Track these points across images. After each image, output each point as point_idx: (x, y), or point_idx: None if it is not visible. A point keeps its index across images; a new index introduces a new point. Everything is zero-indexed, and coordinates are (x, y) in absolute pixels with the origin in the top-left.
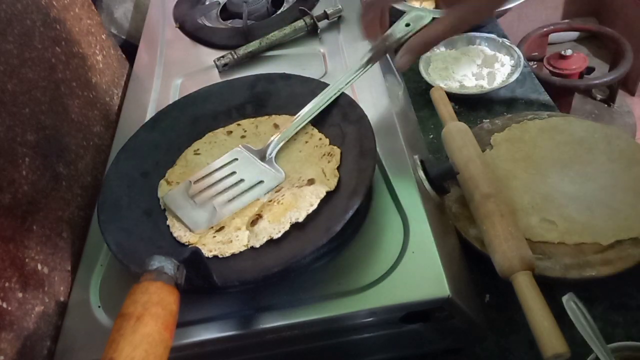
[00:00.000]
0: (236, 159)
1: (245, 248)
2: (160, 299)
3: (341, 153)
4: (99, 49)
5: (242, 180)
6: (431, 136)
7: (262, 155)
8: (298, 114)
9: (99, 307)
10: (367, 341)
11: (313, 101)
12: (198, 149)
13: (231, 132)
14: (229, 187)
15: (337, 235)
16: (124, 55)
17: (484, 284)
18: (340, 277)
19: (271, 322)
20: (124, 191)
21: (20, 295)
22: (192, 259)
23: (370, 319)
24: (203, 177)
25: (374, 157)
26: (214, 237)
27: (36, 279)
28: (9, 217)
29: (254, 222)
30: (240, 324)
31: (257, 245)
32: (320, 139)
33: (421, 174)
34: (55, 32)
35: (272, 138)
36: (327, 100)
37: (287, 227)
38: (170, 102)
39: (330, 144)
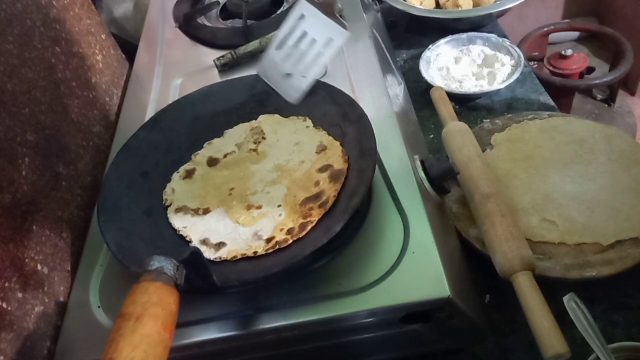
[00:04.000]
0: (303, 15)
1: (241, 256)
2: (159, 299)
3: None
4: (98, 49)
5: (314, 40)
6: (431, 136)
7: (326, 5)
8: None
9: (99, 307)
10: (367, 341)
11: None
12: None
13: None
14: (306, 51)
15: (337, 235)
16: (123, 55)
17: (484, 284)
18: (340, 277)
19: (271, 322)
20: (124, 191)
21: (20, 295)
22: (192, 259)
23: (370, 319)
24: (281, 44)
25: (374, 157)
26: None
27: (36, 279)
28: (9, 217)
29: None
30: (240, 324)
31: (250, 254)
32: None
33: (421, 174)
34: (55, 32)
35: None
36: None
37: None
38: (170, 102)
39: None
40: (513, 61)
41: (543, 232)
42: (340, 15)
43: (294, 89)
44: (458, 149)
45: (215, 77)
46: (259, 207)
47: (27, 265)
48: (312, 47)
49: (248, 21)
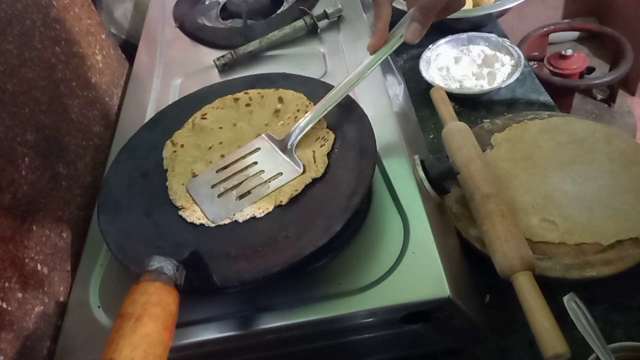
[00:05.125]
0: (259, 148)
1: (230, 221)
2: (159, 300)
3: (335, 138)
4: (98, 49)
5: (262, 171)
6: (431, 136)
7: (283, 146)
8: (318, 103)
9: (99, 307)
10: (367, 341)
11: (332, 91)
12: (206, 114)
13: (238, 99)
14: (250, 177)
15: (337, 235)
16: (123, 55)
17: (484, 284)
18: (340, 277)
19: (271, 322)
20: (124, 191)
21: (20, 295)
22: (192, 259)
23: (370, 319)
24: (226, 166)
25: (374, 157)
26: None
27: (36, 279)
28: (9, 217)
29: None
30: (240, 325)
31: (240, 220)
32: (318, 120)
33: (421, 174)
34: (55, 32)
35: (292, 129)
36: (346, 91)
37: (270, 208)
38: (170, 102)
39: (327, 127)
40: (513, 61)
41: (543, 232)
42: (296, 156)
43: (221, 211)
44: (458, 149)
45: (215, 77)
46: None
47: (27, 265)
48: (258, 177)
49: (248, 21)
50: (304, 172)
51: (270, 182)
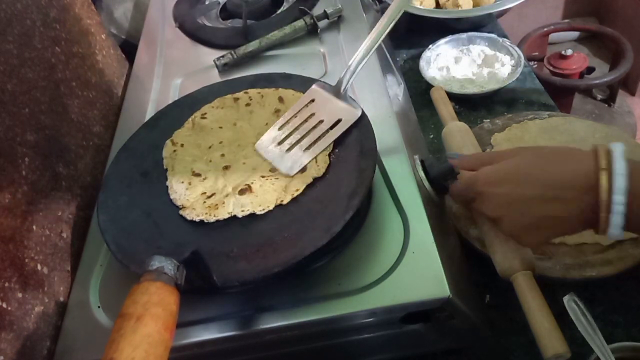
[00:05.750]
0: (313, 100)
1: (229, 215)
2: (160, 299)
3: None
4: (98, 49)
5: (321, 121)
6: (431, 136)
7: (336, 92)
8: (364, 42)
9: (99, 307)
10: (368, 341)
11: (373, 31)
12: (205, 113)
13: (238, 99)
14: (310, 130)
15: (337, 236)
16: (123, 55)
17: (485, 285)
18: (340, 277)
19: (271, 322)
20: (124, 191)
21: (20, 295)
22: (192, 259)
23: (371, 319)
24: (287, 122)
25: (374, 157)
26: (204, 202)
27: (36, 279)
28: (9, 217)
29: (242, 191)
30: (240, 324)
31: (240, 216)
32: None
33: (421, 174)
34: (55, 32)
35: (342, 74)
36: (391, 23)
37: (271, 206)
38: (170, 101)
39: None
40: (513, 61)
41: None
42: (351, 97)
43: (293, 163)
44: (458, 149)
45: (215, 77)
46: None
47: (27, 265)
48: (319, 127)
49: (248, 21)
50: (304, 171)
51: (331, 129)
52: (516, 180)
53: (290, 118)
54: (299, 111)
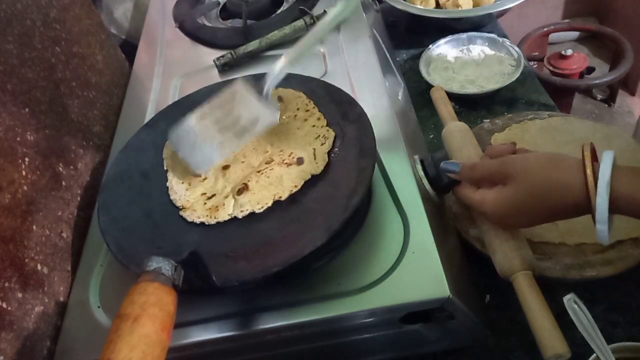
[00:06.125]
0: (234, 96)
1: (229, 217)
2: (157, 300)
3: (335, 137)
4: (98, 49)
5: (240, 118)
6: (431, 136)
7: (259, 92)
8: (291, 48)
9: (99, 307)
10: (367, 341)
11: (304, 38)
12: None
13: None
14: (228, 126)
15: (337, 235)
16: (123, 55)
17: (485, 284)
18: (340, 277)
19: (271, 322)
20: (124, 191)
21: (20, 295)
22: (192, 259)
23: (370, 319)
24: (204, 116)
25: (374, 156)
26: (205, 203)
27: (36, 279)
28: (9, 217)
29: (240, 191)
30: (239, 325)
31: (240, 216)
32: (318, 118)
33: (421, 173)
34: (55, 32)
35: (266, 77)
36: (316, 40)
37: (269, 203)
38: (170, 102)
39: (327, 125)
40: (513, 61)
41: (543, 232)
42: (279, 97)
43: (204, 160)
44: (458, 149)
45: (215, 77)
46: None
47: (27, 265)
48: (237, 124)
49: (248, 21)
50: (301, 162)
51: (248, 127)
52: (517, 213)
53: (210, 111)
54: (220, 106)
